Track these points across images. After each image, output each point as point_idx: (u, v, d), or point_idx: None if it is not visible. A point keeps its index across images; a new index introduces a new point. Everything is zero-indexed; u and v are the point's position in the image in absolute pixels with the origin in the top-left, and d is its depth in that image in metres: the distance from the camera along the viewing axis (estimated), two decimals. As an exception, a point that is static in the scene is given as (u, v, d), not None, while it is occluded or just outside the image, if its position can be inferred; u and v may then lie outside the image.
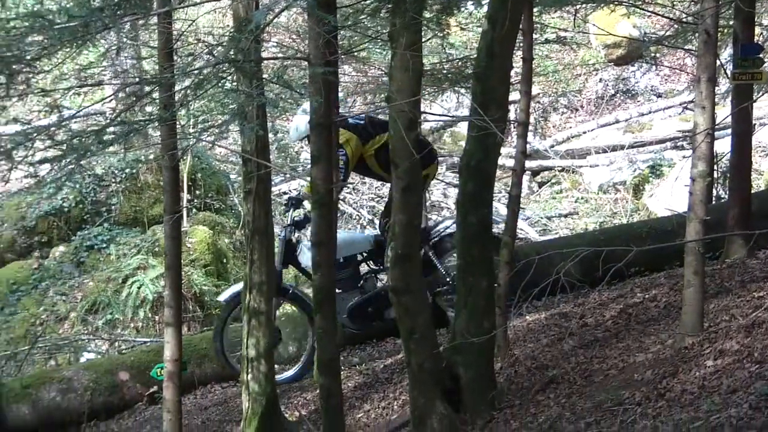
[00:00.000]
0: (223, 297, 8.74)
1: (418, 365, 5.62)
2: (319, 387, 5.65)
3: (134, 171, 13.16)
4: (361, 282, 8.77)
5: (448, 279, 8.53)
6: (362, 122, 8.68)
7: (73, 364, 10.72)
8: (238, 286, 8.69)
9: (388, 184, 8.17)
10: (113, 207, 13.20)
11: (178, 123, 6.18)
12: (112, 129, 6.45)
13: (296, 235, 8.67)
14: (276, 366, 8.77)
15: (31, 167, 6.38)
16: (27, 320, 12.53)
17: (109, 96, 11.83)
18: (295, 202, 8.78)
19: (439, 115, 15.74)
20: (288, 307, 9.21)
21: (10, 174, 6.70)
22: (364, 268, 8.92)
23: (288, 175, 14.41)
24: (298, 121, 8.60)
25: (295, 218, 8.63)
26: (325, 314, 5.42)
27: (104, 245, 12.81)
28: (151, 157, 12.93)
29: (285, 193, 14.81)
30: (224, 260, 12.53)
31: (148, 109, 8.04)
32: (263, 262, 6.67)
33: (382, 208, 10.05)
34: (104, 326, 12.01)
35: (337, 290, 8.56)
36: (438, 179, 14.41)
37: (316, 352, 6.21)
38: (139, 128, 6.91)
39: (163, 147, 6.01)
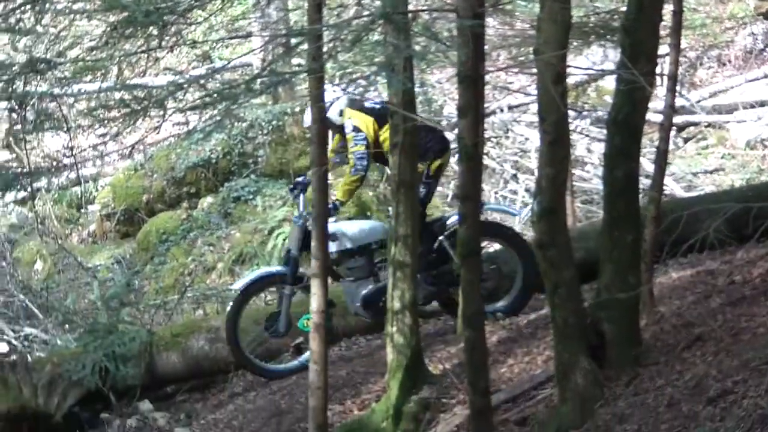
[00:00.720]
0: (238, 285, 8.91)
1: (562, 320, 5.67)
2: (464, 340, 5.74)
3: (281, 123, 13.43)
4: (375, 271, 8.78)
5: None
6: (378, 105, 8.70)
7: (221, 314, 11.08)
8: (254, 274, 8.95)
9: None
10: (260, 159, 13.50)
11: (325, 75, 6.32)
12: (260, 80, 6.66)
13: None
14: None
15: (183, 116, 6.63)
16: (176, 270, 12.99)
17: (258, 48, 12.09)
18: (303, 187, 8.79)
19: (585, 68, 15.57)
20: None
21: (163, 123, 7.01)
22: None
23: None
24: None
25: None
26: (470, 267, 5.49)
27: (251, 197, 13.14)
28: (298, 109, 13.17)
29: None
30: (368, 213, 12.70)
31: (295, 60, 8.24)
32: (408, 215, 6.80)
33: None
34: (249, 276, 12.36)
35: (349, 279, 8.74)
36: (582, 134, 14.34)
37: (460, 307, 6.28)
38: (287, 79, 7.10)
39: (312, 99, 6.15)
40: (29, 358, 9.77)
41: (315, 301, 5.93)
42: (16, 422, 8.98)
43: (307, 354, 8.45)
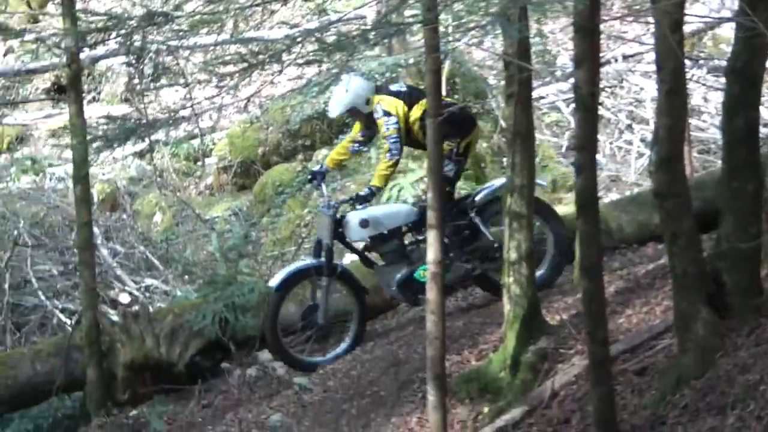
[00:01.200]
0: (274, 282, 8.75)
1: (681, 270, 5.66)
2: (582, 291, 5.78)
3: (394, 75, 13.49)
4: (407, 253, 8.80)
5: (496, 244, 8.52)
6: (404, 89, 8.75)
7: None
8: (289, 269, 8.83)
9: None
10: (374, 111, 13.59)
11: (440, 25, 6.35)
12: (374, 32, 6.72)
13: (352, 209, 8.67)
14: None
15: (298, 69, 6.75)
16: (292, 222, 13.22)
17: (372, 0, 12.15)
18: (321, 176, 8.89)
19: (703, 16, 15.30)
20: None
21: (279, 76, 7.14)
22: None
23: (548, 78, 14.40)
24: (341, 94, 8.59)
25: (359, 193, 8.68)
26: (588, 218, 5.51)
27: (365, 149, 13.27)
28: (411, 61, 13.21)
29: (542, 97, 14.83)
30: (482, 164, 12.74)
31: (409, 12, 8.28)
32: (524, 165, 6.84)
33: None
34: (365, 228, 12.51)
35: (383, 264, 8.80)
36: (698, 83, 14.10)
37: (579, 256, 6.29)
38: (401, 30, 7.16)
39: (427, 49, 6.20)
40: (151, 309, 10.04)
41: (432, 252, 6.01)
42: (139, 371, 9.31)
43: (338, 350, 8.75)
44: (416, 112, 8.48)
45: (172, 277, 13.20)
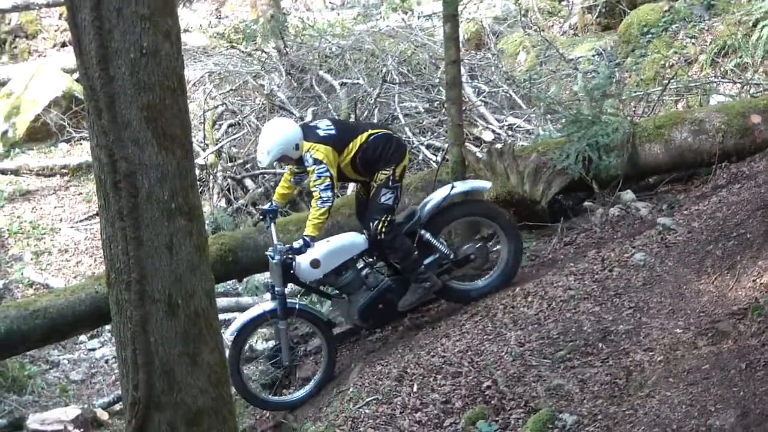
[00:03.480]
0: (228, 333, 8.37)
1: None
2: None
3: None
4: (364, 280, 8.54)
5: (451, 255, 8.56)
6: (334, 132, 8.32)
7: (704, 106, 11.11)
8: (242, 319, 8.42)
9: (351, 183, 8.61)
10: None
11: None
12: None
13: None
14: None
15: None
16: (656, 62, 13.10)
17: None
18: (272, 214, 8.55)
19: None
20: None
21: None
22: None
23: None
24: (269, 142, 8.23)
25: (293, 246, 8.21)
26: None
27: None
28: None
29: None
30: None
31: None
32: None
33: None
34: (733, 69, 12.24)
35: (344, 296, 8.53)
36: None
37: None
38: None
39: None
40: (515, 147, 10.33)
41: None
42: (503, 206, 9.67)
43: (310, 385, 8.57)
44: (347, 157, 8.32)
45: (535, 116, 13.50)
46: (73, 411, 10.57)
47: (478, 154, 10.44)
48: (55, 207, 15.54)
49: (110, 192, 5.56)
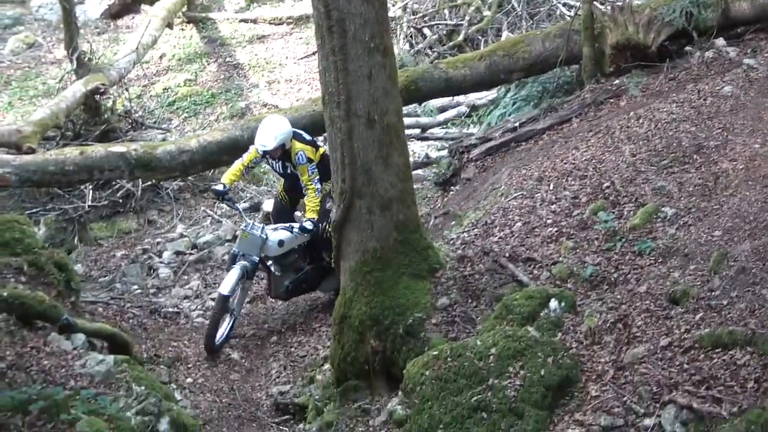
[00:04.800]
0: (224, 289, 7.80)
1: None
2: None
3: None
4: (296, 265, 8.28)
5: None
6: (309, 137, 8.14)
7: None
8: (233, 277, 7.79)
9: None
10: None
11: None
12: None
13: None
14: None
15: None
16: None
17: None
18: (227, 195, 7.98)
19: None
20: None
21: None
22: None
23: None
24: (276, 130, 7.87)
25: (303, 225, 7.87)
26: None
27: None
28: None
29: None
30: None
31: None
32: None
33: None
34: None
35: (278, 272, 8.08)
36: None
37: None
38: None
39: None
40: (632, 3, 10.17)
41: None
42: (621, 50, 9.62)
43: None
44: (318, 155, 8.04)
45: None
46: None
47: (603, 10, 10.36)
48: (282, 47, 15.81)
49: (325, 34, 5.88)
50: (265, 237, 7.88)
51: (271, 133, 7.86)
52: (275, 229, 8.15)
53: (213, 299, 8.62)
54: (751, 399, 4.29)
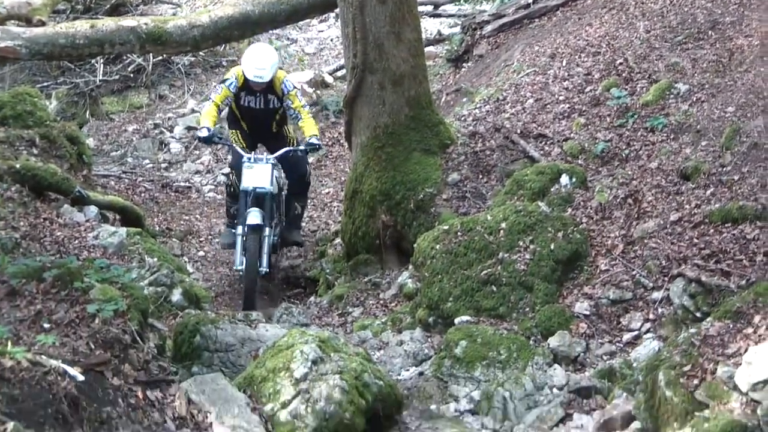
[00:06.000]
0: (252, 221, 6.61)
1: None
2: None
3: None
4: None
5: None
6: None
7: None
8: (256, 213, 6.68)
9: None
10: None
11: None
12: None
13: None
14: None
15: None
16: None
17: None
18: (215, 137, 6.93)
19: None
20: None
21: None
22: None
23: None
24: (271, 60, 6.85)
25: (314, 142, 6.76)
26: None
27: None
28: None
29: None
30: None
31: None
32: None
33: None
34: None
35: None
36: None
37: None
38: None
39: None
40: None
41: None
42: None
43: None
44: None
45: None
46: (307, 74, 11.09)
47: None
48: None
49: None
50: (274, 162, 6.83)
51: (266, 61, 6.91)
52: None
53: (224, 174, 8.28)
54: (759, 272, 4.27)
